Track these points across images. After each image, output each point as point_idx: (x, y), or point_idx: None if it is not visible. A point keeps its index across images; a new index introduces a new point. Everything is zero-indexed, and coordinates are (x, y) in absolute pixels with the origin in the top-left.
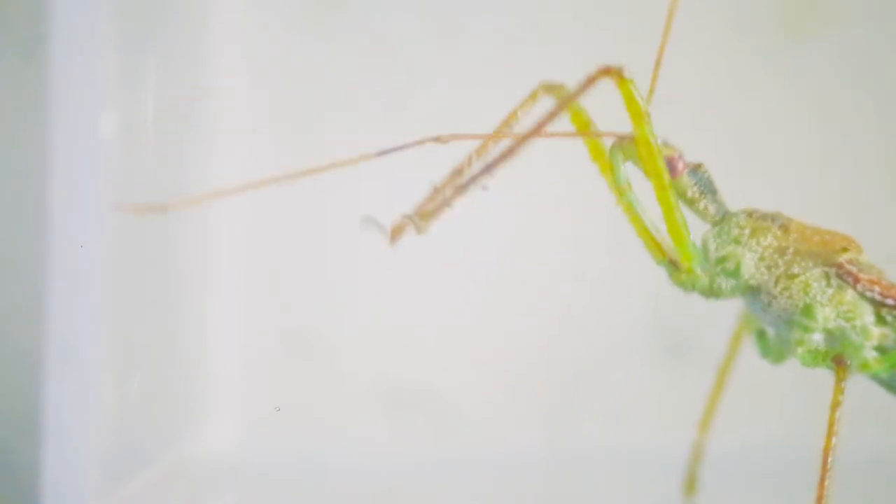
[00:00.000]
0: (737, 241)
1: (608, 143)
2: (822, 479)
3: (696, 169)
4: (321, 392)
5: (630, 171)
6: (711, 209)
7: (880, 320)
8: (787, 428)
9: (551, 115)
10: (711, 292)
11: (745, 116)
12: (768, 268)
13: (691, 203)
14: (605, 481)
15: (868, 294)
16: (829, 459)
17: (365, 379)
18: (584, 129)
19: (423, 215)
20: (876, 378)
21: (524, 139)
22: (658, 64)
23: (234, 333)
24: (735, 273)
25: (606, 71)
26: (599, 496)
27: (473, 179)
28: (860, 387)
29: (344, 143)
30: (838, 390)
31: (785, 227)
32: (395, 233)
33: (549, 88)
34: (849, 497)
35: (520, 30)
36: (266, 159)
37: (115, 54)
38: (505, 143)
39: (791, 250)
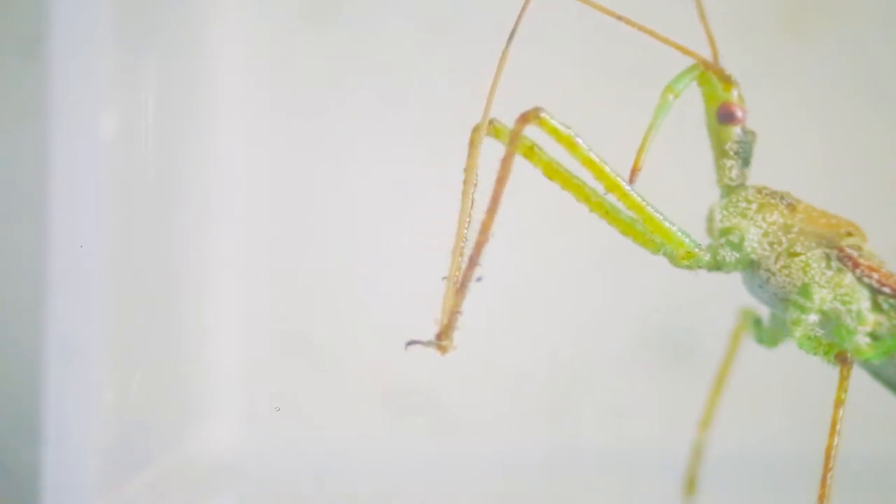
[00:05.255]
0: (743, 215)
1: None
2: (825, 477)
3: (748, 133)
4: (321, 392)
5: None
6: (734, 172)
7: (876, 307)
8: (787, 428)
9: (502, 180)
10: (715, 265)
11: None
12: (771, 244)
13: (722, 155)
14: (605, 481)
15: (866, 280)
16: (832, 457)
17: (365, 379)
18: (530, 153)
19: (443, 334)
20: (867, 365)
21: (490, 217)
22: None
23: (234, 333)
24: (738, 246)
25: (525, 118)
26: (599, 496)
27: (467, 280)
28: (861, 388)
29: (344, 143)
30: (841, 388)
31: (792, 207)
32: (441, 348)
33: (480, 129)
34: (849, 498)
35: (519, 30)
36: (266, 159)
37: (115, 54)
38: (476, 231)
39: (796, 229)
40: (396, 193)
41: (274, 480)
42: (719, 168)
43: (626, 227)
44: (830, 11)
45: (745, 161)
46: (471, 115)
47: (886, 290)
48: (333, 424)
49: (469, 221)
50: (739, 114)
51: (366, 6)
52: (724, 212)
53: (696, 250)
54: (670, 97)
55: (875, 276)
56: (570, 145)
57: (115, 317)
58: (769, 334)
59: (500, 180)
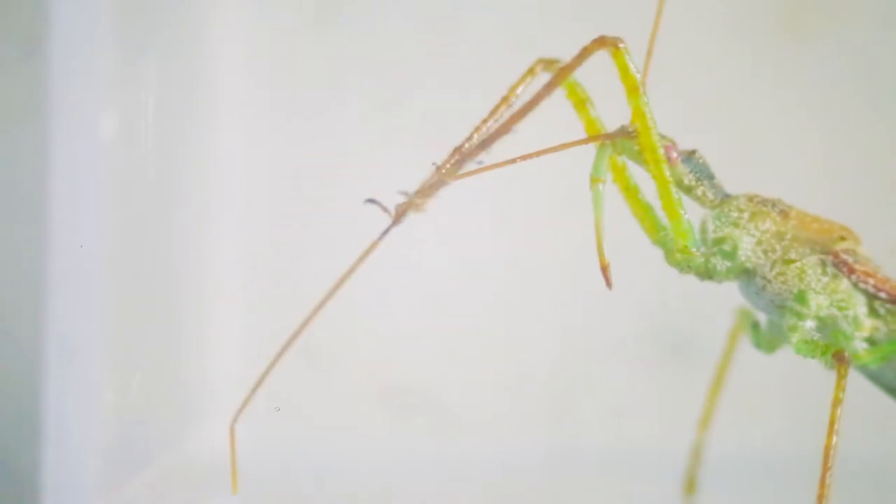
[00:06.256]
0: (735, 224)
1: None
2: (824, 476)
3: (690, 156)
4: (321, 392)
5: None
6: (710, 194)
7: (873, 312)
8: (786, 428)
9: (548, 89)
10: (706, 273)
11: (744, 116)
12: (765, 252)
13: (689, 190)
14: (605, 481)
15: (862, 285)
16: (831, 457)
17: (364, 379)
18: (581, 105)
19: (421, 192)
20: (865, 370)
21: (520, 114)
22: (649, 53)
23: (234, 333)
24: (731, 255)
25: (601, 42)
26: (599, 496)
27: (468, 154)
28: (859, 388)
29: (344, 143)
30: (839, 388)
31: (784, 213)
32: (399, 212)
33: (547, 63)
34: (848, 498)
35: (515, 31)
36: (266, 159)
37: (115, 54)
38: (501, 118)
39: (789, 236)
40: (395, 194)
41: (274, 480)
42: (695, 199)
43: (638, 208)
44: (830, 11)
45: (710, 177)
46: (470, 115)
47: (883, 294)
48: (333, 424)
49: (485, 127)
50: (674, 153)
51: (366, 6)
52: (717, 222)
53: (694, 248)
54: (600, 186)
55: (871, 281)
56: (632, 90)
57: (115, 317)
58: (767, 340)
59: (545, 88)
